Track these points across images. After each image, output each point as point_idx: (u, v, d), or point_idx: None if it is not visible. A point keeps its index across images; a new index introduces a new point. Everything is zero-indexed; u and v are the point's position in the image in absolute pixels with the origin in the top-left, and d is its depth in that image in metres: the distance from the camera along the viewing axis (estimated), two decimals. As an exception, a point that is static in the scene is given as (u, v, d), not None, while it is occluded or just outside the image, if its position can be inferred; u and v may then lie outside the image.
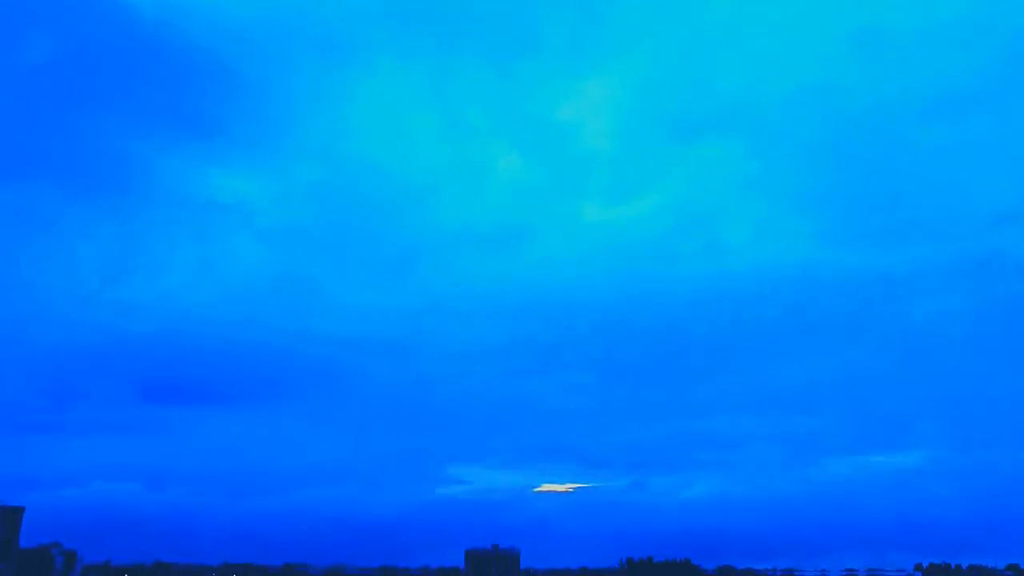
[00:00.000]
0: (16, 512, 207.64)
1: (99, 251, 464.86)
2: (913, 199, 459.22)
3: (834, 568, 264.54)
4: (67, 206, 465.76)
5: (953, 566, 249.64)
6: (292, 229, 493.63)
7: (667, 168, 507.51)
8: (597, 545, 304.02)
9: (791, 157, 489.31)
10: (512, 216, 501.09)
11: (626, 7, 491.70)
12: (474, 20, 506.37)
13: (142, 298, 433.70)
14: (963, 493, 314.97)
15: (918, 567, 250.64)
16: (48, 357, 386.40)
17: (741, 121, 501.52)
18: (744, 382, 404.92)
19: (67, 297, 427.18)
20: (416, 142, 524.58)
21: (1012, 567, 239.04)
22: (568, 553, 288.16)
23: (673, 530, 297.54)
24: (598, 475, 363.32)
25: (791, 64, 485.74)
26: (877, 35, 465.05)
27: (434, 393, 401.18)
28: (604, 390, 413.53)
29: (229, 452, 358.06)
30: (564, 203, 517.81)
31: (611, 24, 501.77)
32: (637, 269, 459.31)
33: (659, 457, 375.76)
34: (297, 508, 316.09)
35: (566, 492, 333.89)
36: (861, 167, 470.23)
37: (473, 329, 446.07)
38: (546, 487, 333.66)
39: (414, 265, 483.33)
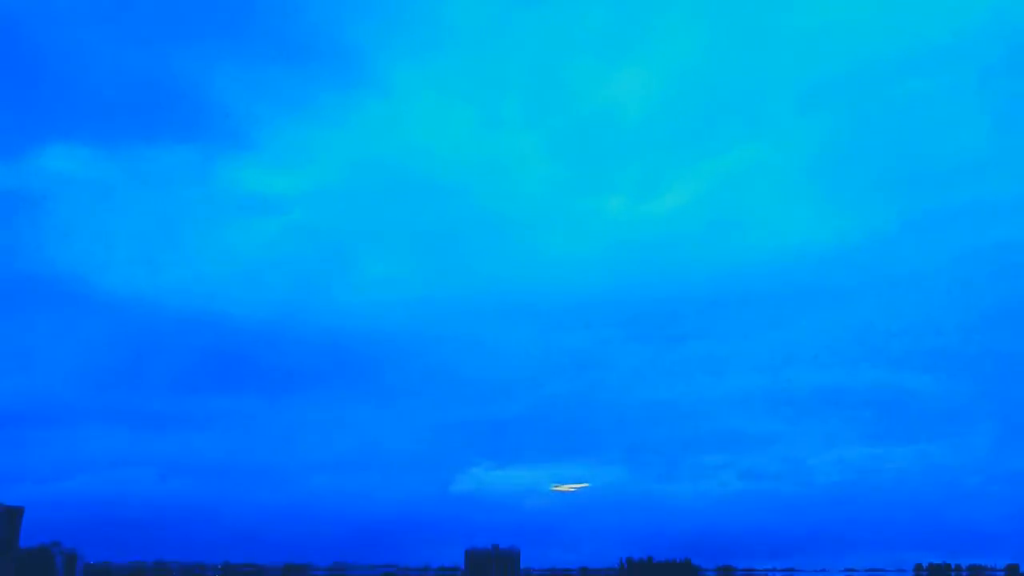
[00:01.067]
0: (16, 512, 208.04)
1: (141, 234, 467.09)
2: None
3: (834, 568, 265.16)
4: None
5: (953, 566, 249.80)
6: (320, 219, 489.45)
7: (697, 164, 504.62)
8: (597, 545, 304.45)
9: (820, 145, 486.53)
10: (540, 208, 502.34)
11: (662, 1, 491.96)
12: (509, 11, 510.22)
13: (173, 285, 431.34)
14: (964, 493, 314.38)
15: (918, 567, 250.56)
16: (88, 344, 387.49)
17: (772, 118, 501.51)
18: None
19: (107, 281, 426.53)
20: (449, 134, 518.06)
21: (1012, 567, 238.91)
22: (568, 553, 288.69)
23: (673, 530, 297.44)
24: (613, 471, 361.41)
25: (827, 57, 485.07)
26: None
27: (456, 387, 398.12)
28: (626, 382, 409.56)
29: (244, 444, 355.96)
30: (591, 197, 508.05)
31: (647, 18, 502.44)
32: (664, 261, 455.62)
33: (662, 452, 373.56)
34: (298, 506, 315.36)
35: (570, 491, 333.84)
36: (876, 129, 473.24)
37: (499, 321, 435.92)
38: (561, 487, 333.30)
39: (439, 258, 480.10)
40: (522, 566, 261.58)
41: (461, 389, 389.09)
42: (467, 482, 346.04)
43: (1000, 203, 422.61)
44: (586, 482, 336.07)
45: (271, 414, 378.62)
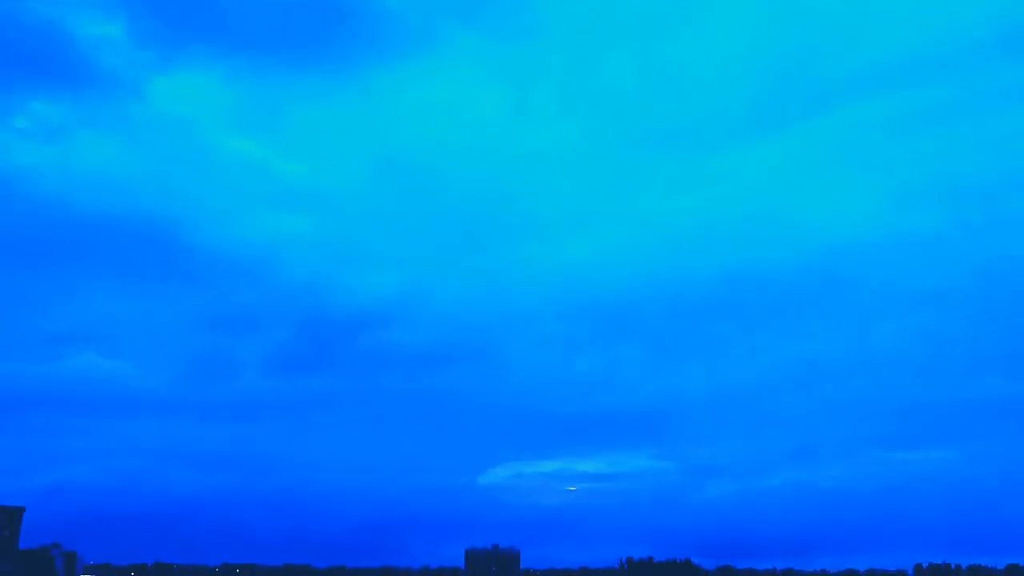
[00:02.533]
0: (16, 512, 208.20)
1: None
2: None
3: (834, 568, 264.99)
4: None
5: (953, 566, 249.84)
6: (347, 209, 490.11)
7: (736, 158, 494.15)
8: (597, 545, 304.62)
9: (859, 137, 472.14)
10: (574, 201, 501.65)
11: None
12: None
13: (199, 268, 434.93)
14: (963, 492, 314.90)
15: (918, 567, 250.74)
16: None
17: (814, 106, 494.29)
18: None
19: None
20: (482, 124, 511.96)
21: (1012, 567, 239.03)
22: (568, 553, 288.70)
23: (673, 530, 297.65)
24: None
25: (879, 43, 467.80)
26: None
27: (458, 388, 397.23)
28: (649, 376, 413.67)
29: (243, 442, 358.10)
30: (628, 190, 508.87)
31: (687, 3, 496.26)
32: (702, 256, 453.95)
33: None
34: (297, 506, 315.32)
35: (571, 491, 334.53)
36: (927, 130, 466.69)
37: (528, 316, 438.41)
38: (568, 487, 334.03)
39: (471, 250, 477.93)
40: (522, 566, 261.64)
41: (464, 390, 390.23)
42: (467, 482, 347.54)
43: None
44: (579, 484, 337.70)
45: (276, 412, 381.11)
